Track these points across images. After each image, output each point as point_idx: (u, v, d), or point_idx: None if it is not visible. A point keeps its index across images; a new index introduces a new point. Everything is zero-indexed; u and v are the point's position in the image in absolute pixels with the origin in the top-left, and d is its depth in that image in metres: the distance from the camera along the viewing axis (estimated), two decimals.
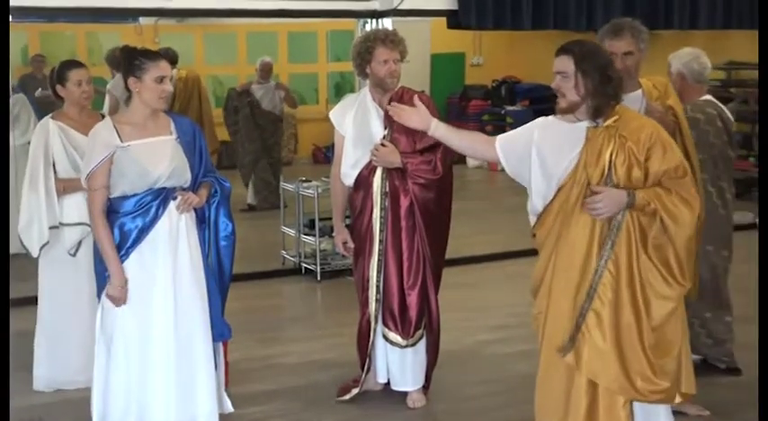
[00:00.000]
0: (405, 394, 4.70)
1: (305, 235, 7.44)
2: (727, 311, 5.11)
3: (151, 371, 3.89)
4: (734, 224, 8.31)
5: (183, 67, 10.15)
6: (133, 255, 3.83)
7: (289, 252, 7.64)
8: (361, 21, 7.26)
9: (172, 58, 10.09)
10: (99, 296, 3.95)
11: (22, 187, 4.87)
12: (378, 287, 4.56)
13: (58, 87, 4.88)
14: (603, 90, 3.45)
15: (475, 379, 5.12)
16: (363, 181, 4.54)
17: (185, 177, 3.92)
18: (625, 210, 3.40)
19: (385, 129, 4.50)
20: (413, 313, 4.56)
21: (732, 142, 5.04)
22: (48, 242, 4.79)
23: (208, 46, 13.25)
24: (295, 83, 13.50)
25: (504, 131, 15.14)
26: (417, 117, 3.81)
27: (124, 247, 3.82)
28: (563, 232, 3.49)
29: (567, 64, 3.50)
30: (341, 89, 13.84)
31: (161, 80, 3.81)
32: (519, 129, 3.74)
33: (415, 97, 3.95)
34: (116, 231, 3.81)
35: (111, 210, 3.83)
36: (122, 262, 3.82)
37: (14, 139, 6.79)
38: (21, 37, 11.46)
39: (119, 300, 3.82)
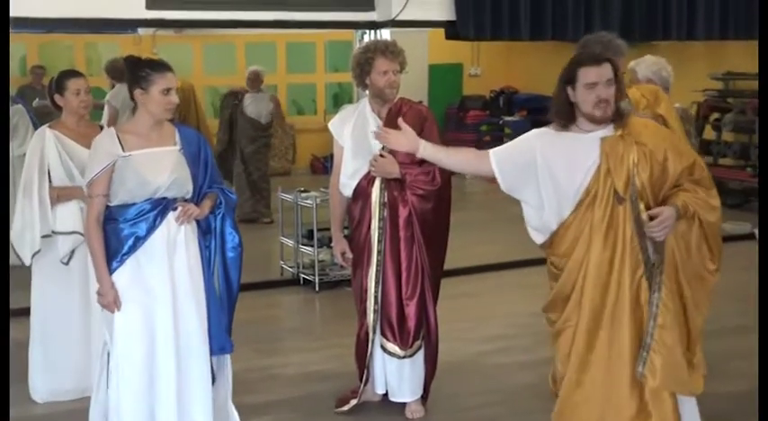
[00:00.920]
0: (403, 405, 4.69)
1: (303, 245, 7.43)
2: None
3: (155, 381, 3.86)
4: (732, 234, 8.34)
5: (179, 78, 10.14)
6: (130, 263, 3.82)
7: (287, 262, 7.63)
8: (360, 32, 7.28)
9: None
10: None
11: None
12: (376, 298, 4.56)
13: (57, 97, 4.89)
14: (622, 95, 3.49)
15: (473, 389, 5.11)
16: (362, 191, 4.54)
17: (187, 188, 3.91)
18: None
19: None
20: (411, 324, 4.55)
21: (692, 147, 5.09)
22: (39, 250, 4.78)
23: (206, 56, 13.29)
24: (293, 93, 13.54)
25: (502, 142, 15.19)
26: (404, 140, 3.80)
27: (120, 254, 3.81)
28: (594, 244, 3.46)
29: (610, 71, 3.47)
30: (339, 99, 13.87)
31: (167, 92, 3.81)
32: (514, 141, 3.70)
33: (400, 119, 3.93)
34: (113, 238, 3.81)
35: (111, 218, 3.82)
36: (117, 268, 3.81)
37: (12, 150, 6.79)
38: (19, 48, 11.48)
39: (110, 306, 3.81)
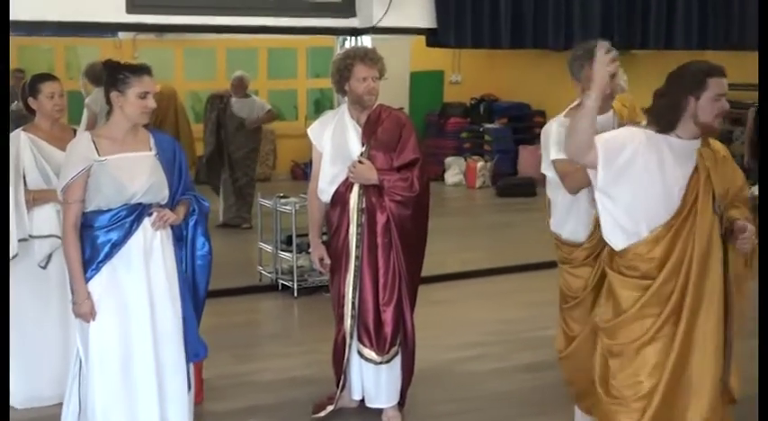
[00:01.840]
0: (380, 411, 4.70)
1: (282, 251, 7.43)
2: None
3: (134, 390, 3.84)
4: None
5: (160, 82, 10.11)
6: (106, 270, 3.79)
7: (265, 268, 7.63)
8: (341, 38, 7.28)
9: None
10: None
11: None
12: (353, 303, 4.56)
13: (30, 100, 4.88)
14: None
15: (450, 396, 5.12)
16: (340, 197, 4.54)
17: (163, 194, 3.88)
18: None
19: (362, 145, 4.51)
20: (388, 330, 4.55)
21: None
22: (17, 255, 4.75)
23: (187, 61, 13.26)
24: (274, 99, 13.50)
25: (482, 149, 15.28)
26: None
27: (95, 261, 3.78)
28: (696, 250, 3.47)
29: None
30: (320, 105, 13.87)
31: (144, 96, 3.78)
32: (612, 138, 3.54)
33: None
34: (88, 245, 3.77)
35: (86, 225, 3.79)
36: (93, 276, 3.78)
37: None
38: None
39: (85, 316, 3.77)
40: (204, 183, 9.82)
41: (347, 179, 4.51)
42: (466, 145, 13.94)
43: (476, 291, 7.50)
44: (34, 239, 4.80)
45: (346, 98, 4.63)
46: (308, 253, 6.73)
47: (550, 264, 7.93)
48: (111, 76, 3.81)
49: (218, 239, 8.82)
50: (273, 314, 7.14)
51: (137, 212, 3.81)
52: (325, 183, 4.59)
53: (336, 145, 4.56)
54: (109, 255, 3.78)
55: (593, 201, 3.75)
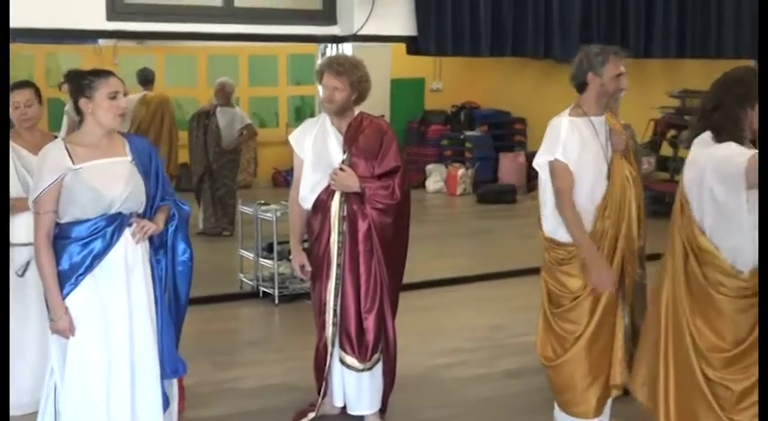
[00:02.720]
0: (361, 418, 4.71)
1: (263, 258, 7.42)
2: None
3: (110, 405, 3.72)
4: None
5: (154, 90, 10.11)
6: (86, 283, 3.64)
7: (246, 275, 7.62)
8: (322, 45, 7.30)
9: (147, 78, 10.06)
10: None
11: None
12: (335, 311, 4.57)
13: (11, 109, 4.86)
14: None
15: (431, 402, 5.13)
16: (322, 205, 4.55)
17: (141, 201, 3.75)
18: None
19: (344, 153, 4.52)
20: (369, 337, 4.56)
21: None
22: None
23: (168, 68, 13.22)
24: (255, 106, 13.51)
25: (463, 156, 15.32)
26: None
27: (74, 275, 3.62)
28: None
29: None
30: (301, 113, 13.88)
31: (114, 96, 3.64)
32: (744, 155, 3.47)
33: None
34: (65, 257, 3.62)
35: (61, 236, 3.63)
36: (72, 290, 3.63)
37: None
38: None
39: (64, 332, 3.63)
40: (185, 190, 9.81)
41: (329, 186, 4.51)
42: (447, 152, 13.98)
43: (458, 297, 7.52)
44: (12, 247, 4.77)
45: None
46: (290, 260, 6.72)
47: (532, 271, 7.98)
48: (76, 83, 3.68)
49: (199, 246, 8.74)
50: (254, 321, 7.13)
51: (117, 222, 3.66)
52: (307, 191, 4.59)
53: (318, 152, 4.57)
54: (89, 268, 3.63)
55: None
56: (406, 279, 4.82)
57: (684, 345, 3.65)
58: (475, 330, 6.49)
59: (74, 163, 3.62)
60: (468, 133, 13.83)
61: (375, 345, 4.58)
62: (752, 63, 4.64)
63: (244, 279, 7.61)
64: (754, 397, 3.49)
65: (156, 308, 3.83)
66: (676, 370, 3.71)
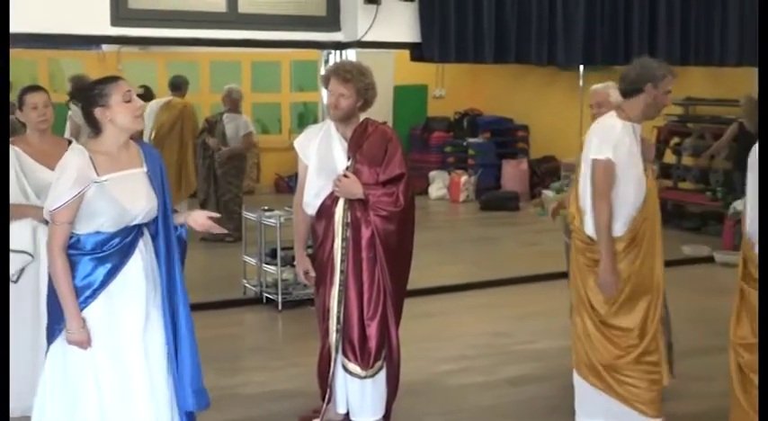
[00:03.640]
0: None
1: (266, 264, 7.41)
2: None
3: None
4: (691, 257, 8.49)
5: (179, 97, 10.13)
6: (102, 298, 3.53)
7: (250, 281, 7.61)
8: (326, 52, 7.30)
9: (176, 85, 10.07)
10: (50, 332, 3.62)
11: None
12: (338, 317, 4.55)
13: (18, 113, 4.85)
14: None
15: (435, 409, 5.11)
16: (326, 211, 4.54)
17: (155, 213, 3.63)
18: None
19: (348, 159, 4.51)
20: (372, 344, 4.55)
21: None
22: None
23: (171, 74, 13.22)
24: (258, 112, 13.52)
25: (465, 163, 15.34)
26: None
27: (91, 288, 3.51)
28: None
29: None
30: (304, 119, 13.89)
31: (129, 98, 3.52)
32: None
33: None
34: (80, 272, 3.50)
35: (77, 248, 3.51)
36: (89, 304, 3.51)
37: None
38: None
39: (82, 344, 3.50)
40: (190, 196, 9.83)
41: (333, 192, 4.51)
42: (449, 159, 13.97)
43: (460, 304, 7.51)
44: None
45: None
46: (293, 266, 6.71)
47: (534, 278, 8.05)
48: (86, 95, 3.56)
49: (202, 252, 8.87)
50: (258, 327, 7.12)
51: (133, 234, 3.57)
52: (311, 196, 4.59)
53: (322, 158, 4.56)
54: (105, 283, 3.52)
55: None
56: (409, 285, 4.80)
57: None
58: (478, 337, 6.48)
59: (98, 174, 3.49)
60: (471, 140, 13.83)
61: (378, 353, 4.56)
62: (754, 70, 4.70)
63: (247, 285, 7.61)
64: None
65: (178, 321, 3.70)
66: None
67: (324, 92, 4.91)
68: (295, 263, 4.88)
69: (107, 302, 3.55)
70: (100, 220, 3.49)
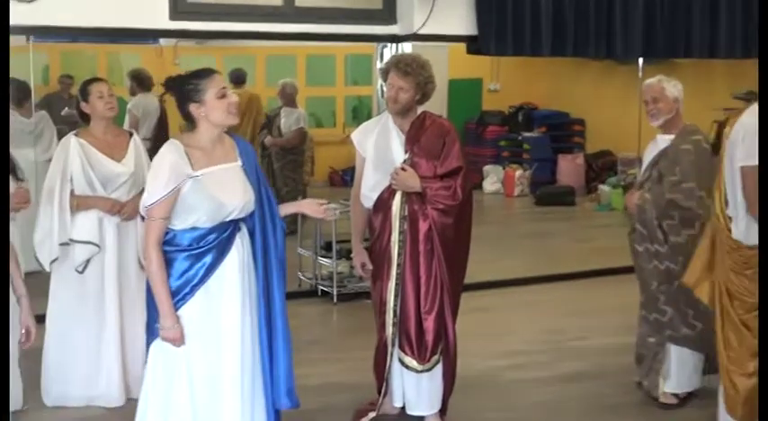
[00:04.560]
0: (421, 418, 4.68)
1: (322, 257, 7.44)
2: None
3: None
4: None
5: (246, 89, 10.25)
6: (199, 295, 3.51)
7: (305, 274, 7.64)
8: (380, 45, 7.30)
9: (238, 78, 10.19)
10: (150, 329, 3.60)
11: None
12: (395, 311, 4.54)
13: (83, 105, 4.91)
14: None
15: (491, 405, 5.09)
16: (383, 204, 4.54)
17: (252, 208, 3.61)
18: None
19: (406, 152, 4.50)
20: (429, 338, 4.52)
21: None
22: (57, 258, 4.80)
23: (227, 68, 13.33)
24: (312, 106, 13.55)
25: (520, 157, 15.28)
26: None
27: (189, 285, 3.48)
28: None
29: None
30: (358, 113, 13.90)
31: (223, 93, 3.50)
32: None
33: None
34: (176, 269, 3.47)
35: (173, 244, 3.49)
36: (187, 300, 3.49)
37: (36, 156, 6.86)
38: (42, 57, 11.55)
39: (174, 341, 3.48)
40: None
41: (390, 185, 4.50)
42: (504, 153, 13.89)
43: (516, 299, 7.47)
44: (74, 244, 4.85)
45: None
46: (348, 259, 6.73)
47: (588, 274, 7.98)
48: (181, 89, 3.52)
49: None
50: (313, 320, 7.14)
51: (230, 230, 3.54)
52: (368, 189, 4.59)
53: (379, 151, 4.56)
54: (204, 279, 3.49)
55: None
56: (465, 280, 4.78)
57: None
58: (533, 333, 6.44)
59: (193, 169, 3.46)
60: (526, 134, 13.73)
61: (434, 347, 4.54)
62: None
63: (303, 277, 7.64)
64: None
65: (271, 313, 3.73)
66: None
67: (378, 86, 4.93)
68: (353, 255, 4.88)
69: (205, 299, 3.52)
70: (196, 216, 3.47)
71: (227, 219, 3.53)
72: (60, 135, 6.05)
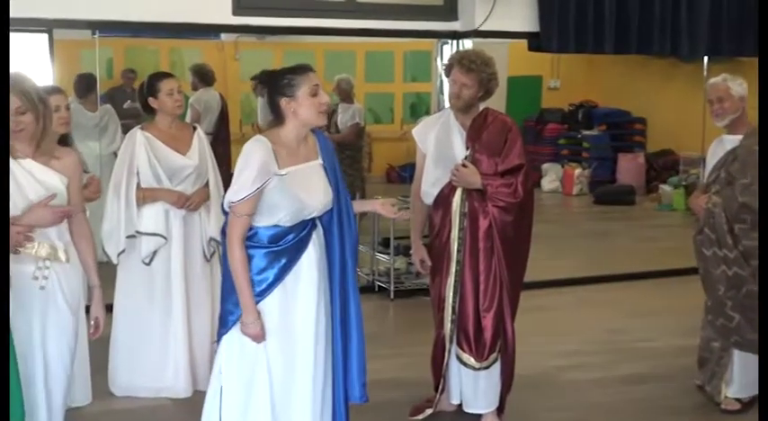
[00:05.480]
0: (478, 416, 4.66)
1: (379, 253, 7.44)
2: None
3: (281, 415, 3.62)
4: None
5: None
6: (277, 292, 3.53)
7: (362, 269, 7.65)
8: (440, 42, 7.27)
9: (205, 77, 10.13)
10: (223, 321, 3.60)
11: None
12: (453, 308, 4.53)
13: (150, 99, 4.95)
14: None
15: (549, 404, 5.05)
16: (443, 200, 4.52)
17: (331, 206, 3.62)
18: None
19: (467, 149, 4.48)
20: (488, 336, 4.50)
21: None
22: (124, 250, 4.87)
23: (286, 63, 13.30)
24: (371, 102, 13.56)
25: (579, 155, 15.16)
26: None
27: (266, 282, 3.50)
28: None
29: None
30: (416, 109, 13.86)
31: (316, 92, 3.48)
32: None
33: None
34: (255, 263, 3.49)
35: (253, 240, 3.50)
36: (264, 297, 3.50)
37: (101, 149, 6.97)
38: (107, 51, 11.72)
39: (256, 337, 3.49)
40: None
41: (451, 182, 4.48)
42: (563, 151, 13.77)
43: (574, 299, 7.40)
44: (141, 236, 4.92)
45: None
46: (406, 256, 6.73)
47: (648, 275, 7.87)
48: (275, 83, 3.51)
49: None
50: (369, 315, 7.06)
51: (308, 228, 3.57)
52: (428, 185, 4.58)
53: (440, 147, 4.54)
54: (281, 277, 3.52)
55: None
56: (524, 278, 4.74)
57: None
58: (592, 333, 6.37)
59: (279, 166, 3.46)
60: (586, 132, 13.59)
61: (493, 344, 4.52)
62: None
63: (360, 273, 7.64)
64: None
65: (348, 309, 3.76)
66: None
67: (437, 83, 4.90)
68: (412, 251, 4.87)
69: (282, 296, 3.54)
70: (279, 215, 3.48)
71: (307, 218, 3.55)
72: (124, 128, 6.12)
